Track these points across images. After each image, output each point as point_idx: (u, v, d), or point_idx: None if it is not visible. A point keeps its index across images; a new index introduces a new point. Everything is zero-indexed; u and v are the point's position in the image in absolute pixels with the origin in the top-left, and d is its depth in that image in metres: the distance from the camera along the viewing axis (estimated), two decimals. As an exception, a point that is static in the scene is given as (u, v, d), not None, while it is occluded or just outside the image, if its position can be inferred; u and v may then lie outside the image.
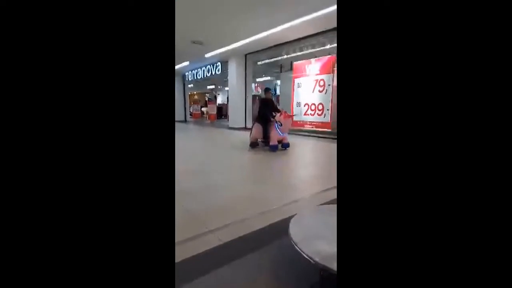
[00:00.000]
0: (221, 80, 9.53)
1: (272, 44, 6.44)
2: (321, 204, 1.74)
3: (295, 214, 1.27)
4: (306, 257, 0.88)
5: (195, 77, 10.74)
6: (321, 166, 3.32)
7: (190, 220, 1.63)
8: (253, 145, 4.47)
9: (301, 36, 5.71)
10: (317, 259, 0.85)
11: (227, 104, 10.47)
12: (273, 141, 4.16)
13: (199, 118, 13.92)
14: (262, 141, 4.45)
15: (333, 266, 0.80)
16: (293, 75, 6.81)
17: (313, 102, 6.27)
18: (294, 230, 1.06)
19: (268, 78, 11.87)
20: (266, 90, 4.68)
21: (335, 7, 4.14)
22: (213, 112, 12.79)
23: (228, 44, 6.59)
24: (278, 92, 10.24)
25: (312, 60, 6.25)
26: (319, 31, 5.33)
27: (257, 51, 7.15)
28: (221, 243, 1.34)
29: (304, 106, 6.49)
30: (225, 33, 5.69)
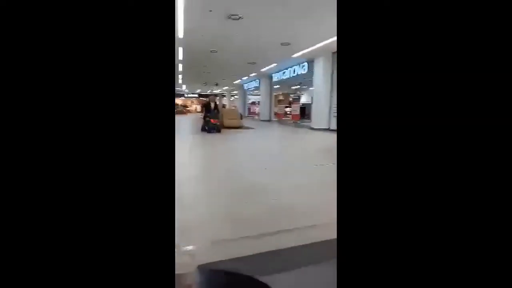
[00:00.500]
0: (306, 80, 9.51)
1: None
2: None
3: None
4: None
5: (281, 78, 11.09)
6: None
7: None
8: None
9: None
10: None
11: (310, 104, 10.38)
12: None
13: (282, 118, 14.32)
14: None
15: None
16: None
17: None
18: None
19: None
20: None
21: None
22: (296, 112, 12.91)
23: (316, 43, 6.55)
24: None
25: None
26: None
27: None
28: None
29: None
30: (312, 32, 5.69)
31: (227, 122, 8.44)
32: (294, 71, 9.78)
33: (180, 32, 5.64)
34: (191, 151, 4.51)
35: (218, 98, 20.51)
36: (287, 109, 15.42)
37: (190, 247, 1.33)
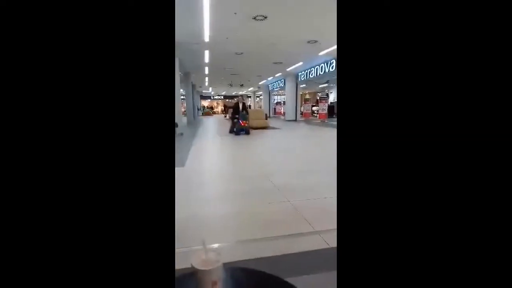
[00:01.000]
0: (335, 78, 9.19)
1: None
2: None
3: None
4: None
5: (308, 77, 10.85)
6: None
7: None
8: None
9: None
10: None
11: (339, 103, 9.98)
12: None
13: (309, 118, 14.00)
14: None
15: None
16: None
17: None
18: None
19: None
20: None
21: None
22: (324, 111, 12.53)
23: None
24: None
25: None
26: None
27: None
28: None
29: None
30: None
31: (253, 122, 8.48)
32: (322, 69, 9.51)
33: (206, 36, 5.73)
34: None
35: (245, 99, 20.66)
36: (314, 108, 15.08)
37: (215, 245, 1.43)
